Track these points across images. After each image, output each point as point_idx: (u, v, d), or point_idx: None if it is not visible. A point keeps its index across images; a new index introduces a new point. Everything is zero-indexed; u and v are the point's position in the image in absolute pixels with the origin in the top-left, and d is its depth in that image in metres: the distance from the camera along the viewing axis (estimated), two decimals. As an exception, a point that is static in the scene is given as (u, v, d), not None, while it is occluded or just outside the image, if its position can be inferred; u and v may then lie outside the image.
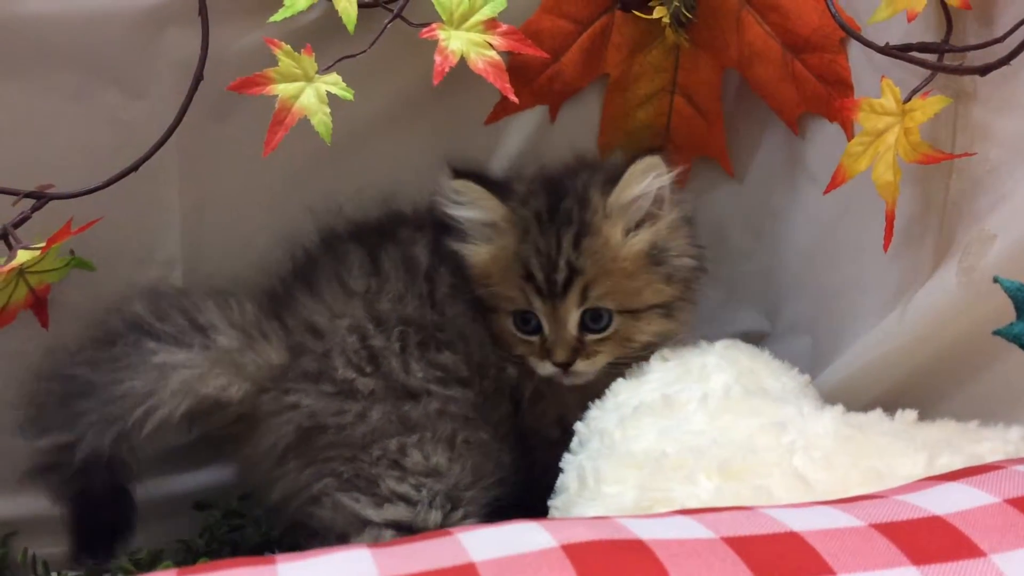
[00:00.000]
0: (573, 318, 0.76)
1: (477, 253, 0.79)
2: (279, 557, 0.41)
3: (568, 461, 0.69)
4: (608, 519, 0.45)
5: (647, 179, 0.75)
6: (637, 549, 0.40)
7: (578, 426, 0.72)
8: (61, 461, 0.71)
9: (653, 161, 0.75)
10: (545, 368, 0.77)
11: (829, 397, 0.73)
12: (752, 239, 0.92)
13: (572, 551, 0.39)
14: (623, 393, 0.71)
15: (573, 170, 0.81)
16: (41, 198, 0.73)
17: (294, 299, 0.78)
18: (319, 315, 0.77)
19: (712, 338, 0.79)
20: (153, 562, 0.81)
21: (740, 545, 0.41)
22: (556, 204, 0.77)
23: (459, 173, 0.78)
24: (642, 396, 0.68)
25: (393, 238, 0.81)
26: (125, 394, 0.71)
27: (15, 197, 0.73)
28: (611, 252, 0.76)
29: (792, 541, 0.42)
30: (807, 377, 0.74)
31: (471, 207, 0.78)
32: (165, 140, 0.75)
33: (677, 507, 0.56)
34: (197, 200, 0.82)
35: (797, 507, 0.47)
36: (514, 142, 0.88)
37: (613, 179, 0.76)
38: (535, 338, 0.77)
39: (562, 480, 0.68)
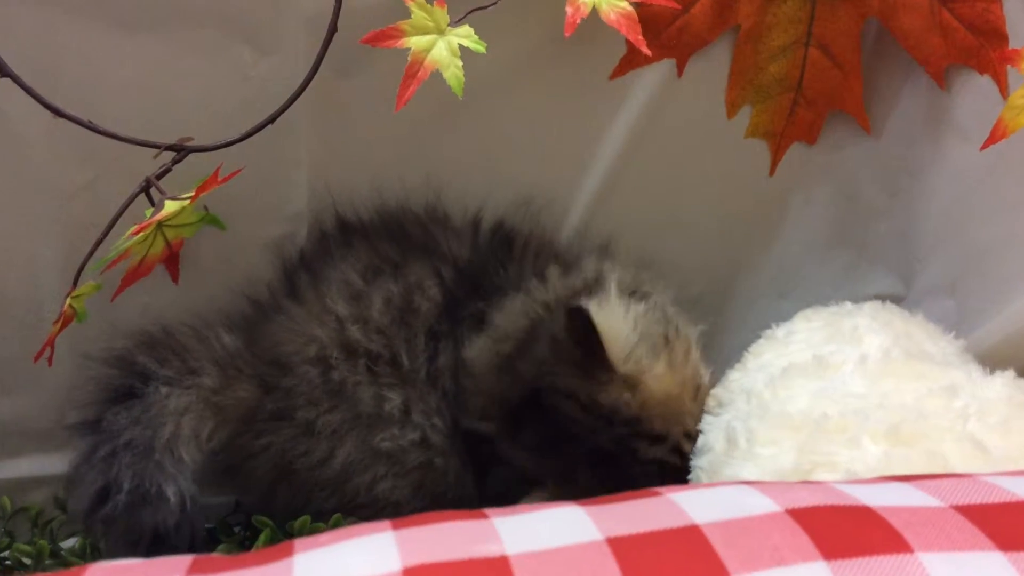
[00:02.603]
0: None
1: None
2: (489, 511, 0.40)
3: (710, 422, 0.67)
4: (821, 484, 0.43)
5: (626, 314, 0.69)
6: (866, 516, 0.38)
7: (715, 391, 0.70)
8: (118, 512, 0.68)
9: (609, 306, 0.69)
10: None
11: (982, 361, 0.70)
12: (887, 197, 0.88)
13: (799, 516, 0.37)
14: (767, 353, 0.69)
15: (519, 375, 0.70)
16: (181, 151, 0.73)
17: (270, 317, 0.75)
18: (288, 341, 0.73)
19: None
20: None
21: (974, 514, 0.38)
22: (592, 452, 0.67)
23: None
24: (790, 356, 0.66)
25: (395, 273, 0.75)
26: (166, 441, 0.70)
27: (153, 151, 0.73)
28: (667, 391, 0.69)
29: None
30: (963, 342, 0.71)
31: None
32: (301, 92, 0.74)
33: (841, 471, 0.54)
34: (324, 155, 0.81)
35: (1013, 475, 0.44)
36: (639, 97, 0.85)
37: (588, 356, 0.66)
38: None
39: (705, 440, 0.66)
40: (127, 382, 0.72)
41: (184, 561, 0.40)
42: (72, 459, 0.72)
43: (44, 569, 0.71)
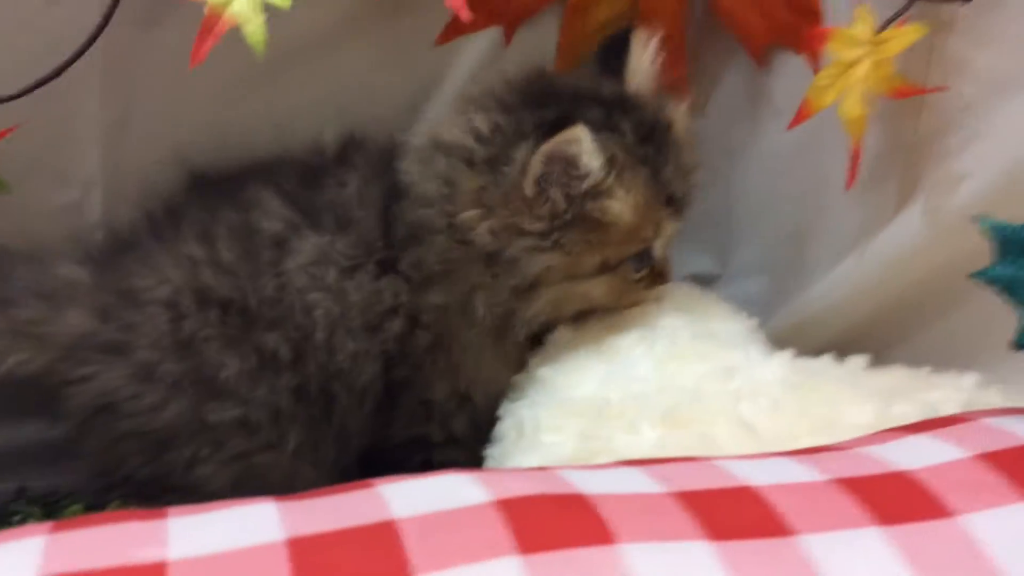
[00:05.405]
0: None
1: (623, 202, 0.66)
2: (171, 510, 0.37)
3: (507, 409, 0.65)
4: (549, 470, 0.41)
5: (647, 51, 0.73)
6: (577, 505, 0.36)
7: (515, 378, 0.69)
8: None
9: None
10: (653, 295, 0.70)
11: (783, 341, 0.70)
12: (707, 177, 0.88)
13: (506, 507, 0.35)
14: (562, 337, 0.67)
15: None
16: (-50, 106, 0.66)
17: (126, 252, 0.72)
18: (144, 276, 0.70)
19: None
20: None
21: (692, 501, 0.37)
22: (641, 120, 0.70)
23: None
24: (584, 340, 0.65)
25: (234, 200, 0.73)
26: None
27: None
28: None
29: (748, 497, 0.38)
30: (755, 320, 0.71)
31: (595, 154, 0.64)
32: (89, 44, 0.68)
33: (618, 457, 0.52)
34: (120, 115, 0.76)
35: (752, 459, 0.43)
36: (465, 65, 0.82)
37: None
38: (645, 271, 0.69)
39: (500, 429, 0.64)
40: None
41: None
42: None
43: None
